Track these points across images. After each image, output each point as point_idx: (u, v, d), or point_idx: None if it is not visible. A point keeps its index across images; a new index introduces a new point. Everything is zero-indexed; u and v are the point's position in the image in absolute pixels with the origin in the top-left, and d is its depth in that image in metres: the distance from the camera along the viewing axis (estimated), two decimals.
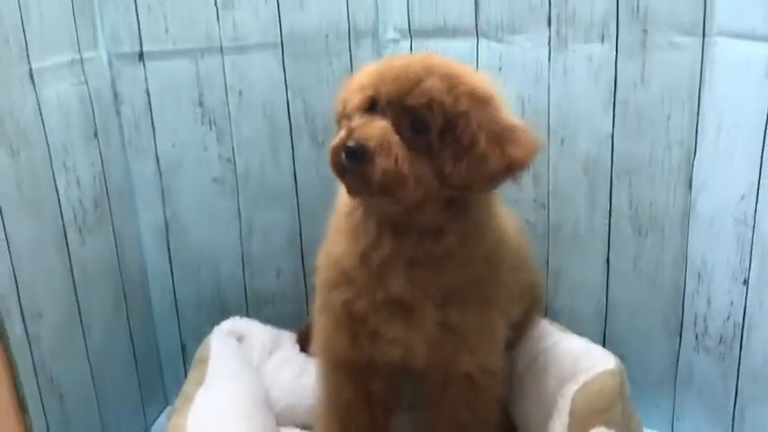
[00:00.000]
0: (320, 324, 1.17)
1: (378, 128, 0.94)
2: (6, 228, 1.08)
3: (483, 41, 1.42)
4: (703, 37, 1.25)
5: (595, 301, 1.49)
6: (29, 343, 1.13)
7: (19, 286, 1.11)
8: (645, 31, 1.29)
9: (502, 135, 0.97)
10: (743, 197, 1.20)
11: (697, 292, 1.35)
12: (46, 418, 1.16)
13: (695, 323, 1.37)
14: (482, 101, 0.98)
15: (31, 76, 1.16)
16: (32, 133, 1.17)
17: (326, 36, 1.48)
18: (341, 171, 0.96)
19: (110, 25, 1.40)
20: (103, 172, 1.38)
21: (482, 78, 1.02)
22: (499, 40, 1.40)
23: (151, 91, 1.45)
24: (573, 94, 1.37)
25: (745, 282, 1.22)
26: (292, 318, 1.58)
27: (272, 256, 1.60)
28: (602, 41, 1.32)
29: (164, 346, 1.61)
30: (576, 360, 1.22)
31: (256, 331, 1.51)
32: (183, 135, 1.49)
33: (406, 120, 0.96)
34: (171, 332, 1.61)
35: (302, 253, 1.60)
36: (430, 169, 0.96)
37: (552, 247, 1.49)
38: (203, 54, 1.45)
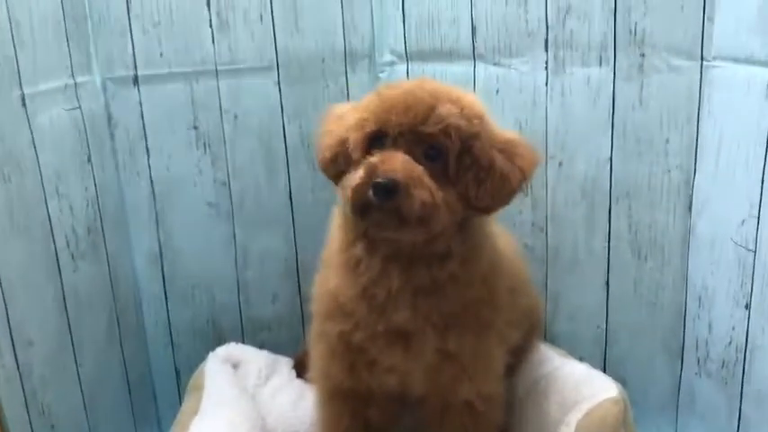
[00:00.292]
0: (316, 353, 1.15)
1: (401, 160, 0.92)
2: None
3: (480, 65, 1.41)
4: (701, 60, 1.25)
5: (595, 325, 1.47)
6: (19, 373, 1.11)
7: (9, 314, 1.09)
8: (643, 55, 1.29)
9: (508, 149, 0.99)
10: (743, 221, 1.20)
11: (698, 316, 1.34)
12: None
13: (697, 347, 1.35)
14: (485, 119, 0.99)
15: (24, 102, 1.15)
16: (25, 159, 1.15)
17: (322, 59, 1.48)
18: (364, 210, 0.93)
19: (104, 49, 1.39)
20: (97, 197, 1.36)
21: (474, 97, 1.02)
22: (496, 64, 1.40)
23: (146, 115, 1.44)
24: (571, 118, 1.37)
25: (747, 306, 1.21)
26: (289, 344, 1.56)
27: (267, 281, 1.58)
28: (600, 65, 1.32)
29: (157, 374, 1.59)
30: (578, 386, 1.20)
31: (252, 357, 1.48)
32: (178, 159, 1.48)
33: (419, 148, 0.95)
34: (165, 359, 1.58)
35: (298, 278, 1.58)
36: (454, 194, 0.96)
37: (551, 271, 1.47)
38: (198, 77, 1.44)
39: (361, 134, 0.97)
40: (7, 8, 1.11)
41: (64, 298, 1.25)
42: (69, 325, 1.26)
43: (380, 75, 1.50)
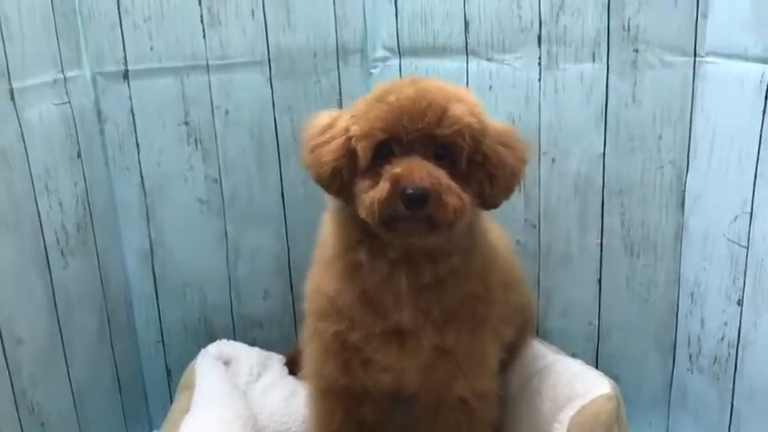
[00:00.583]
0: (310, 351, 1.15)
1: (424, 167, 0.91)
2: None
3: (473, 60, 1.41)
4: (695, 56, 1.25)
5: (587, 321, 1.47)
6: (8, 371, 1.10)
7: None
8: (636, 51, 1.29)
9: (507, 142, 0.99)
10: (736, 217, 1.20)
11: (690, 312, 1.34)
12: None
13: (689, 343, 1.36)
14: (484, 114, 0.99)
15: (12, 96, 1.13)
16: (13, 154, 1.14)
17: (314, 54, 1.47)
18: (392, 221, 0.92)
19: (94, 44, 1.37)
20: (87, 193, 1.35)
21: (468, 90, 1.02)
22: (489, 59, 1.40)
23: (136, 110, 1.43)
24: (564, 114, 1.37)
25: (739, 302, 1.22)
26: (281, 341, 1.56)
27: (259, 278, 1.57)
28: (594, 60, 1.32)
29: (148, 372, 1.58)
30: (571, 383, 1.21)
31: (244, 354, 1.48)
32: (169, 155, 1.46)
33: (430, 150, 0.94)
34: (156, 357, 1.57)
35: (290, 275, 1.57)
36: (471, 193, 0.95)
37: (543, 267, 1.47)
38: (189, 72, 1.43)
39: (370, 143, 0.94)
40: None
41: (54, 295, 1.24)
42: (59, 322, 1.25)
43: (372, 70, 1.49)
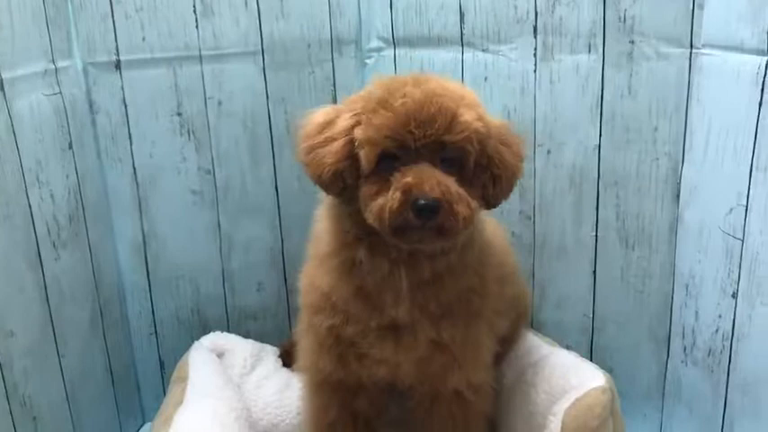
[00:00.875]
0: (305, 345, 1.14)
1: (434, 176, 0.91)
2: None
3: (468, 51, 1.40)
4: (691, 48, 1.25)
5: (582, 313, 1.47)
6: (0, 364, 1.09)
7: None
8: (632, 42, 1.28)
9: (505, 139, 0.99)
10: (731, 209, 1.19)
11: (685, 304, 1.34)
12: None
13: (683, 335, 1.36)
14: (486, 113, 0.98)
15: (2, 87, 1.12)
16: (3, 146, 1.13)
17: (308, 45, 1.46)
18: (403, 229, 0.92)
19: (85, 34, 1.36)
20: (78, 185, 1.34)
21: (469, 89, 1.01)
22: (485, 50, 1.39)
23: (128, 101, 1.41)
24: (559, 105, 1.36)
25: (734, 294, 1.21)
26: (275, 333, 1.56)
27: (253, 270, 1.56)
28: (589, 52, 1.32)
29: (141, 364, 1.57)
30: (566, 375, 1.21)
31: (237, 346, 1.47)
32: (161, 146, 1.45)
33: (437, 155, 0.93)
34: (149, 349, 1.57)
35: (284, 266, 1.56)
36: (475, 196, 0.95)
37: (538, 259, 1.47)
38: (182, 63, 1.41)
39: (375, 151, 0.93)
40: None
41: (45, 288, 1.23)
42: (51, 315, 1.24)
43: (367, 61, 1.48)
